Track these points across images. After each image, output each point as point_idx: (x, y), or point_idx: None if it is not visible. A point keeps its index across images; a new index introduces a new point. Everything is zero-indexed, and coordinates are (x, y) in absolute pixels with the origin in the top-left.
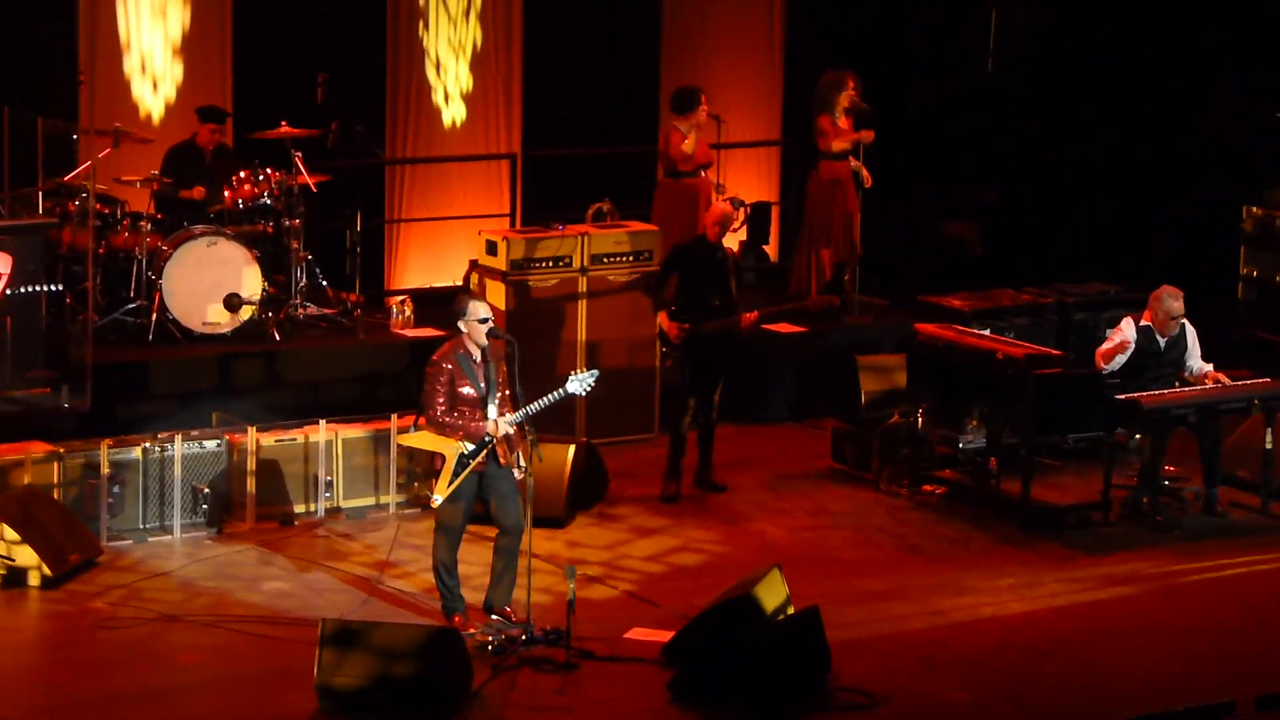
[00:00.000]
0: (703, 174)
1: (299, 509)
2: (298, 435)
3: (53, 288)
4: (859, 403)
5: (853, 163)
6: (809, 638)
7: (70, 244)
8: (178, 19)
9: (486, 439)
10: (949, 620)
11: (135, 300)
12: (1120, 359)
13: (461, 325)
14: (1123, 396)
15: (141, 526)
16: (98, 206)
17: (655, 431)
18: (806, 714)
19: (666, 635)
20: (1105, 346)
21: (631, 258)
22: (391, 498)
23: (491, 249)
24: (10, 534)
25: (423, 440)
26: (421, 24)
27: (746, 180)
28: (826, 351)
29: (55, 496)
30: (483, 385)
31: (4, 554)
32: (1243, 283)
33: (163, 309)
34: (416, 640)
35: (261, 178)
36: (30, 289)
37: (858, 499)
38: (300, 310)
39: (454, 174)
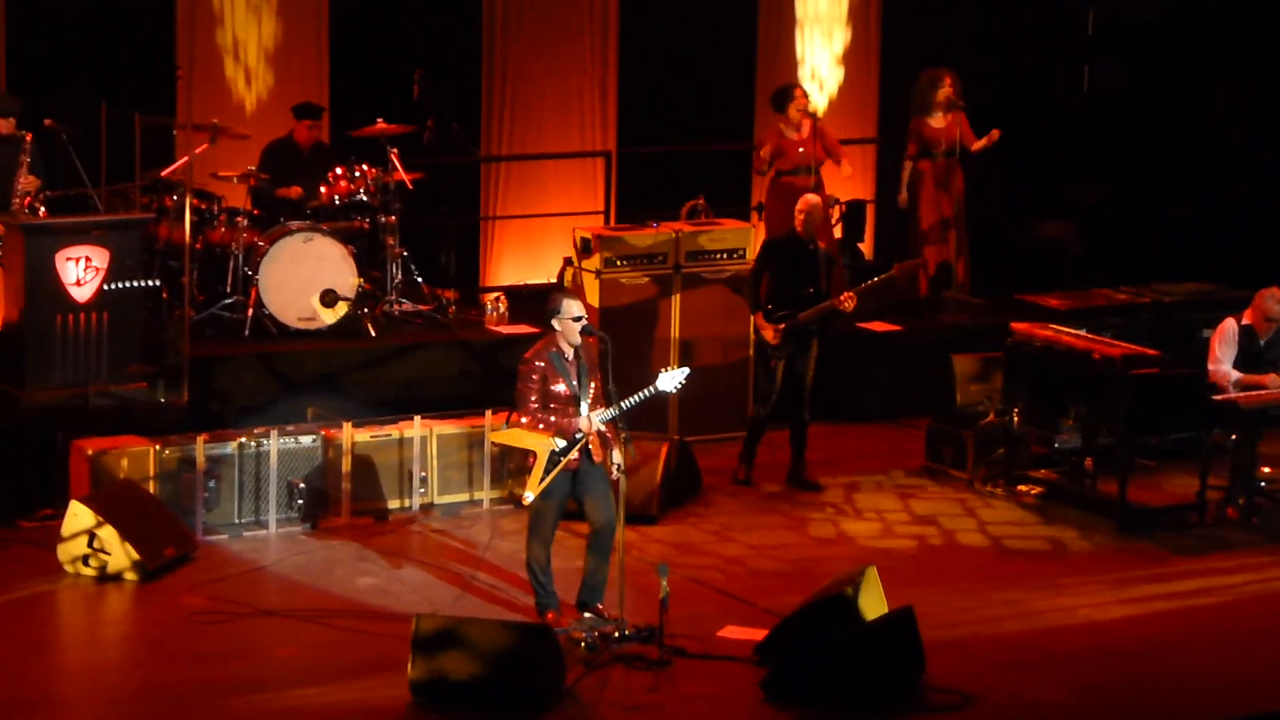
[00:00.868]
0: (806, 172)
1: (393, 505)
2: (392, 431)
3: (150, 283)
4: (954, 402)
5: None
6: (903, 638)
7: (167, 239)
8: (275, 15)
9: (578, 436)
10: (1043, 621)
11: (232, 295)
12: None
13: (555, 323)
14: (1220, 397)
15: (237, 521)
16: (195, 202)
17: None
18: (900, 714)
19: (759, 634)
20: (1213, 368)
21: (725, 255)
22: (485, 494)
23: (585, 246)
24: (107, 528)
25: (514, 438)
26: (516, 20)
27: (842, 179)
28: (922, 350)
29: (151, 491)
30: (575, 383)
31: (100, 548)
32: None
33: (259, 304)
34: (510, 637)
35: (358, 174)
36: (127, 284)
37: (952, 498)
38: (395, 306)
39: (549, 171)
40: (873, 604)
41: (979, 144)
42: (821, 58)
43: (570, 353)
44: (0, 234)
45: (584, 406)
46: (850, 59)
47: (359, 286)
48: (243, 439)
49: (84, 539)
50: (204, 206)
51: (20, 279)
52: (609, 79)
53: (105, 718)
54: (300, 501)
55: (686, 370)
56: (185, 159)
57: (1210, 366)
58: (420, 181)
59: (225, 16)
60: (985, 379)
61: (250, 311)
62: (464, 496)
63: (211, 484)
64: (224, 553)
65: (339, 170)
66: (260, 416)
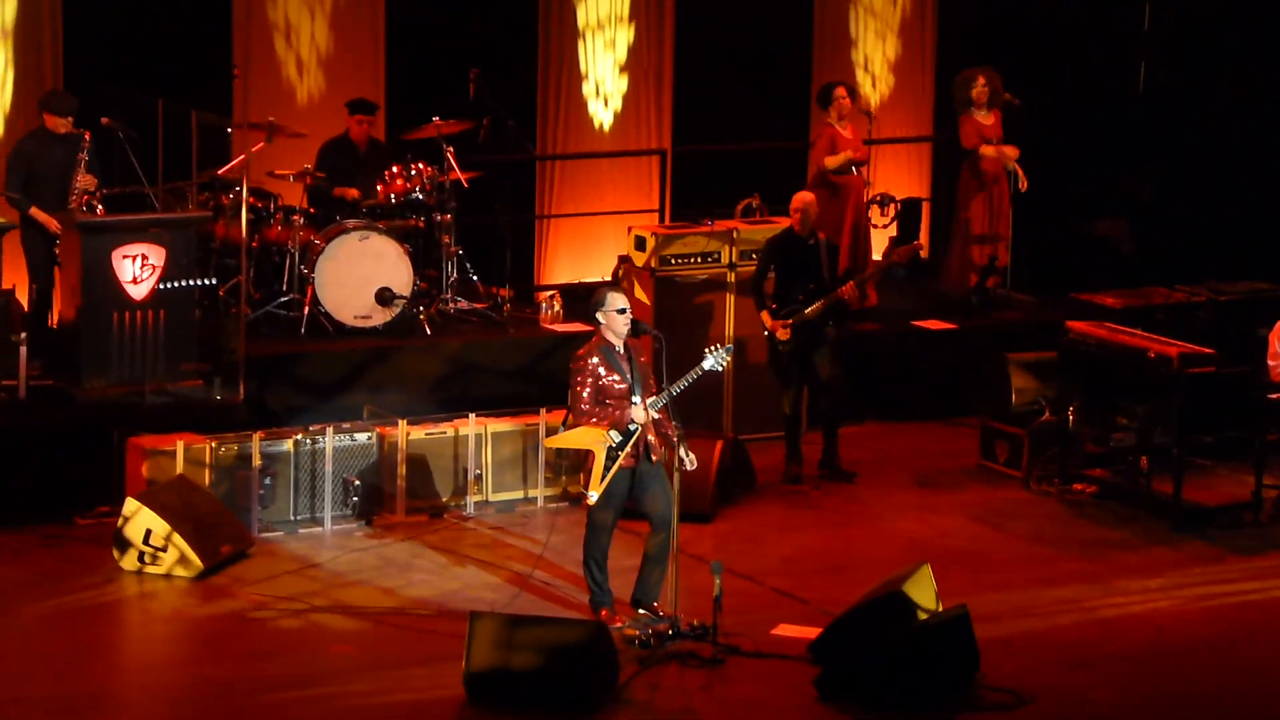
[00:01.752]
0: (855, 171)
1: (448, 502)
2: (447, 429)
3: (206, 281)
4: (1009, 400)
5: (1009, 162)
6: (958, 637)
7: (224, 237)
8: (330, 15)
9: (632, 427)
10: (1098, 620)
11: (288, 294)
12: None
13: (600, 316)
14: (1276, 395)
15: (292, 518)
16: (251, 200)
17: (804, 428)
18: (954, 713)
19: (813, 632)
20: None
21: None
22: (539, 491)
23: (640, 244)
24: (163, 525)
25: (570, 439)
26: (573, 20)
27: (897, 176)
28: (976, 349)
29: (207, 488)
30: (629, 375)
31: (156, 545)
32: None
33: (315, 302)
34: (565, 634)
35: (414, 173)
36: (184, 282)
37: (1007, 497)
38: (451, 304)
39: (603, 170)
40: (927, 603)
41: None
42: (876, 55)
43: (620, 345)
44: (58, 232)
45: (637, 397)
46: (905, 56)
47: (415, 285)
48: (298, 436)
49: (140, 536)
50: (260, 205)
51: (77, 277)
52: (664, 76)
53: (160, 715)
54: (355, 499)
55: (731, 347)
56: (242, 157)
57: (1270, 363)
58: (476, 180)
59: (281, 16)
60: (1040, 378)
61: (306, 309)
62: (518, 494)
63: (267, 481)
64: (279, 549)
65: (395, 169)
66: (316, 414)
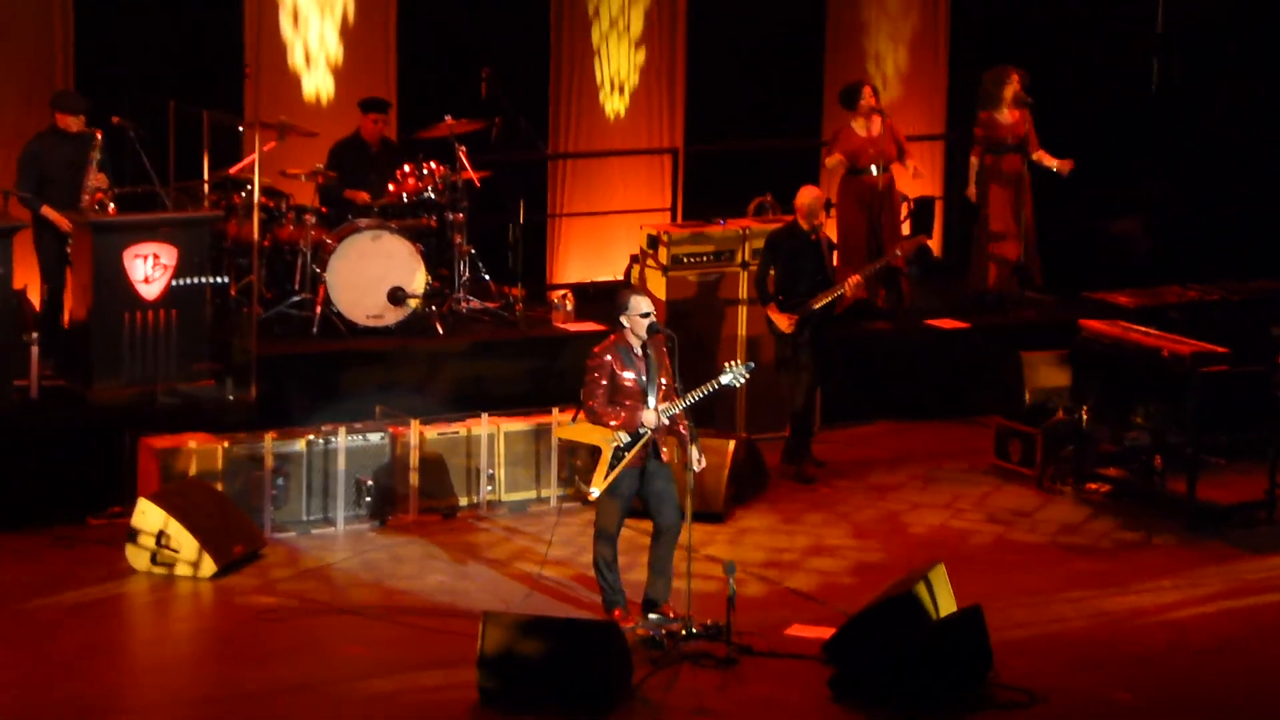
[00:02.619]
0: (874, 170)
1: (461, 502)
2: (460, 429)
3: (218, 280)
4: (1023, 399)
5: (1045, 159)
6: (971, 637)
7: (235, 236)
8: (342, 14)
9: (642, 430)
10: (1112, 620)
11: (300, 293)
12: None
13: (623, 319)
14: None
15: (305, 519)
16: (263, 199)
17: (817, 427)
18: (968, 713)
19: (827, 632)
20: None
21: None
22: (552, 491)
23: (652, 243)
24: (175, 525)
25: (579, 432)
26: (584, 18)
27: (909, 177)
28: (990, 347)
29: (219, 488)
30: (644, 378)
31: (169, 546)
32: None
33: (327, 302)
34: (577, 634)
35: (426, 172)
36: (195, 281)
37: (1021, 497)
38: (463, 304)
39: (615, 168)
40: (941, 602)
41: (1045, 157)
42: (888, 52)
43: (638, 347)
44: (69, 231)
45: (651, 401)
46: (917, 54)
47: (427, 284)
48: (311, 436)
49: (152, 537)
50: (272, 204)
51: (89, 276)
52: (676, 74)
53: (174, 716)
54: (368, 499)
55: (751, 364)
56: (253, 156)
57: None
58: (488, 179)
59: (292, 14)
60: (1054, 376)
61: (318, 309)
62: (531, 494)
63: (280, 481)
64: (292, 550)
65: (407, 168)
66: (328, 414)
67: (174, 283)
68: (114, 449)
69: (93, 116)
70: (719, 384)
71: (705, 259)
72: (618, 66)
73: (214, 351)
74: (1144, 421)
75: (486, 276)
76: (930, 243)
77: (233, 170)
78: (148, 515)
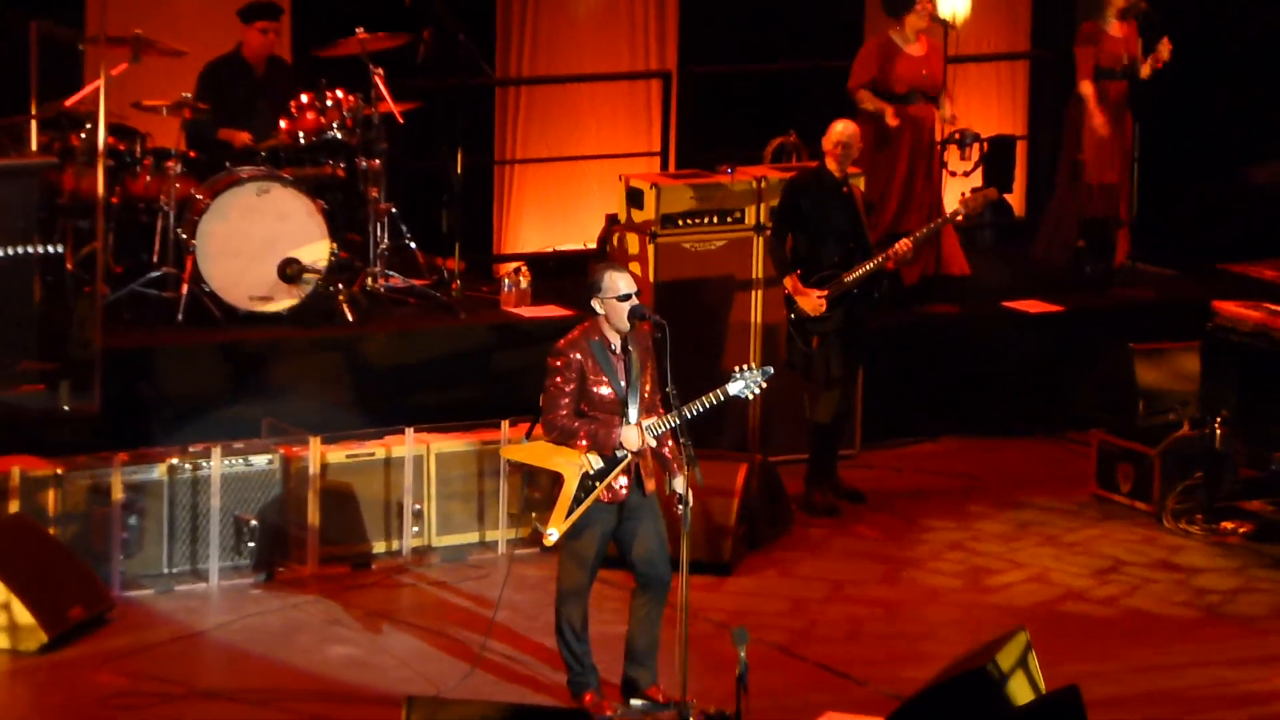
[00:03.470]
0: (922, 100)
1: (378, 548)
2: (376, 449)
3: (50, 249)
4: (1135, 409)
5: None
6: None
7: (73, 191)
8: None
9: (619, 453)
10: (1256, 708)
11: (160, 267)
12: None
13: (596, 305)
14: None
15: (166, 571)
16: (110, 141)
17: (857, 446)
18: None
19: None
20: None
21: None
22: (501, 533)
23: (636, 199)
24: None
25: (535, 454)
26: None
27: (983, 106)
28: (1090, 339)
29: (51, 532)
30: (622, 382)
31: None
32: None
33: (197, 279)
34: None
35: (330, 104)
36: (19, 251)
37: (1132, 539)
38: (381, 281)
39: (586, 99)
40: (1024, 682)
41: (1147, 65)
42: None
43: (616, 343)
44: None
45: (632, 413)
46: None
47: (331, 255)
48: (174, 460)
49: None
50: (123, 147)
51: None
52: None
53: None
54: (252, 544)
55: (769, 370)
56: (97, 83)
57: None
58: (414, 113)
59: None
60: (1176, 378)
61: (185, 288)
62: (472, 537)
63: (133, 521)
64: (150, 614)
65: (304, 98)
66: (198, 430)
67: None
68: None
69: None
70: (725, 394)
71: (707, 221)
72: None
73: (44, 346)
74: None
75: (412, 244)
76: (1008, 198)
77: (70, 102)
78: None
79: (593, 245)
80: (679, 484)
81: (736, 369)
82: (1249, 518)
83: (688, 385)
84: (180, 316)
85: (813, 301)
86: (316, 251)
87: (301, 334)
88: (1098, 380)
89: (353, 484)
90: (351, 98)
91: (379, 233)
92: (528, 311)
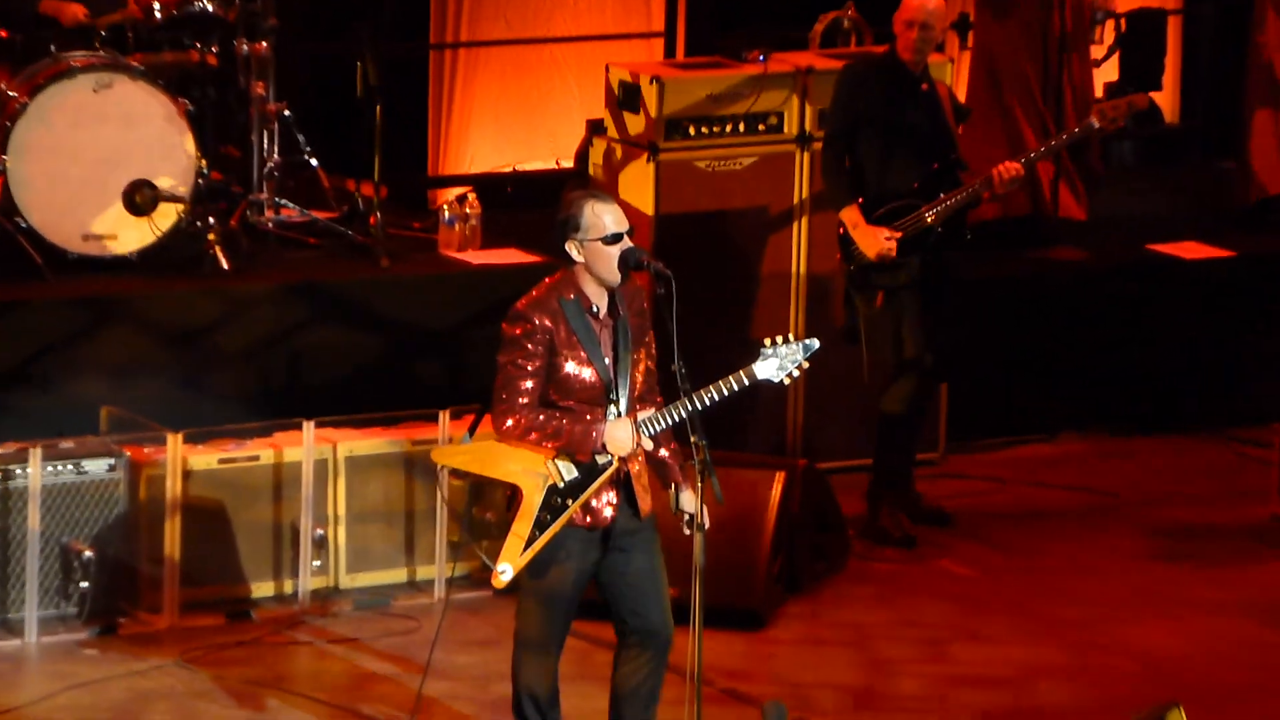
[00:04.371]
0: None
1: (262, 591)
2: (262, 451)
3: None
4: None
5: None
6: None
7: None
8: None
9: (602, 459)
10: None
11: None
12: None
13: (573, 249)
14: None
15: None
16: None
17: (941, 449)
18: None
19: None
20: None
21: None
22: (437, 569)
23: (630, 97)
24: None
25: (481, 458)
26: None
27: None
28: (1267, 300)
29: None
30: (608, 360)
31: None
32: None
33: (8, 210)
34: None
35: None
36: None
37: None
38: (268, 213)
39: None
40: None
41: None
42: None
43: (601, 304)
44: None
45: (622, 403)
46: None
47: (198, 175)
48: None
49: None
50: None
51: None
52: None
53: None
54: (84, 585)
55: (813, 343)
56: None
57: None
58: None
59: None
60: None
61: None
62: (397, 575)
63: None
64: None
65: None
66: (10, 423)
67: None
68: None
69: None
70: (753, 377)
71: (730, 129)
72: None
73: None
74: None
75: (314, 162)
76: (1157, 100)
77: None
78: None
79: (568, 164)
80: (688, 502)
81: (769, 341)
82: None
83: (701, 363)
84: None
85: (880, 243)
86: (178, 171)
87: (157, 287)
88: None
89: (227, 501)
90: None
91: (266, 145)
92: (476, 257)
